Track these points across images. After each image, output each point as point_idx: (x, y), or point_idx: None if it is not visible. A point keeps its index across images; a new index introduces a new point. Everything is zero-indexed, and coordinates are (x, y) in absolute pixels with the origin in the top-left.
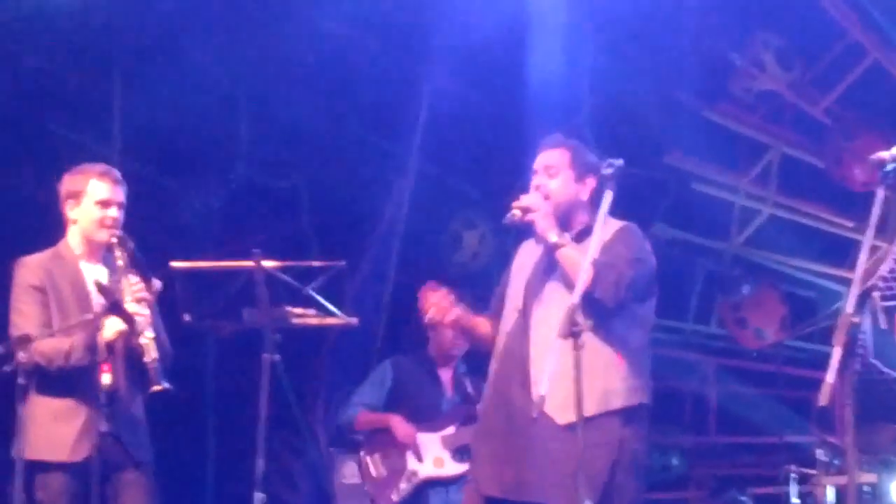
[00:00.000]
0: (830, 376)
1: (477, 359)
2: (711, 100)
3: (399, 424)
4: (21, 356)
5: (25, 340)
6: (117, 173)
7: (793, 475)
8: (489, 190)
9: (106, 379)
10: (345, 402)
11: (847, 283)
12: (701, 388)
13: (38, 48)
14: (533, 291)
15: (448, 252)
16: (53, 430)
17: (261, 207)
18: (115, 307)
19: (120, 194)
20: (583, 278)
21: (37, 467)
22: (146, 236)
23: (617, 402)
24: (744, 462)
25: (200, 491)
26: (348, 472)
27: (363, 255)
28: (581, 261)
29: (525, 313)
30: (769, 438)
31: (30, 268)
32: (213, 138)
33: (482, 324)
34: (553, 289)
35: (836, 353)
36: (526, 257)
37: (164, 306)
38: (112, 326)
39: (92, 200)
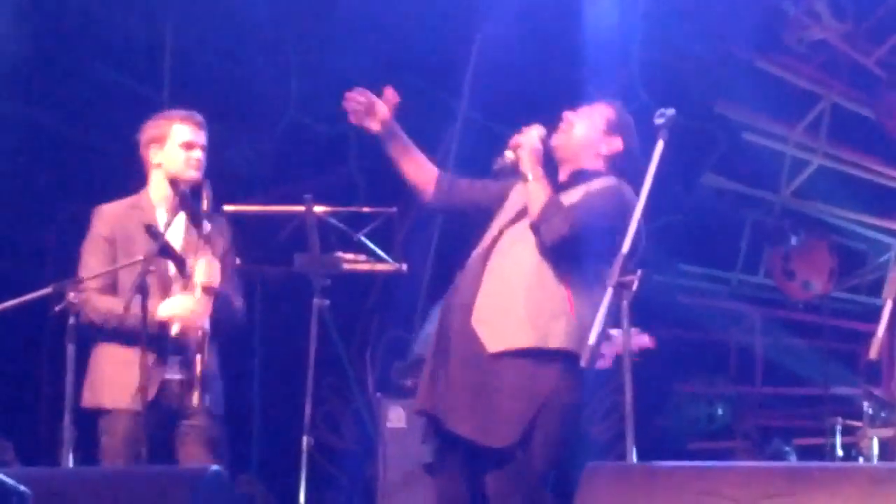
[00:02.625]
0: (881, 330)
1: None
2: (763, 49)
3: None
4: (71, 297)
5: (77, 283)
6: (199, 116)
7: (838, 427)
8: None
9: (175, 329)
10: (407, 348)
11: None
12: (747, 338)
13: None
14: (509, 224)
15: None
16: (117, 377)
17: (309, 153)
18: (164, 250)
19: (202, 137)
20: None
21: (100, 413)
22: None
23: (555, 342)
24: (789, 413)
25: (247, 435)
26: (394, 417)
27: (411, 201)
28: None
29: (495, 242)
30: (815, 390)
31: (103, 218)
32: (262, 83)
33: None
34: (524, 225)
35: (888, 307)
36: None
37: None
38: (168, 309)
39: (176, 143)
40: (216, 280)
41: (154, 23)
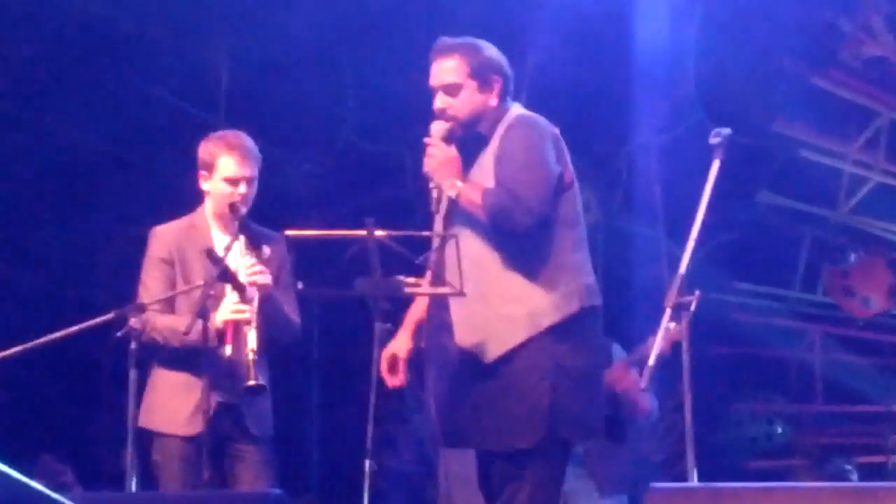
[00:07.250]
0: None
1: None
2: (819, 66)
3: None
4: (133, 322)
5: (139, 309)
6: (247, 145)
7: None
8: (593, 159)
9: (228, 350)
10: None
11: None
12: (807, 356)
13: (142, 15)
14: (451, 223)
15: None
16: (171, 402)
17: (365, 173)
18: (224, 275)
19: (249, 168)
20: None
21: (153, 433)
22: (253, 203)
23: (547, 320)
24: (849, 431)
25: (306, 458)
26: None
27: None
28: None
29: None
30: (875, 408)
31: (160, 239)
32: (317, 104)
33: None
34: (466, 218)
35: None
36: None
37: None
38: (222, 314)
39: (221, 176)
40: (262, 278)
41: (210, 46)
